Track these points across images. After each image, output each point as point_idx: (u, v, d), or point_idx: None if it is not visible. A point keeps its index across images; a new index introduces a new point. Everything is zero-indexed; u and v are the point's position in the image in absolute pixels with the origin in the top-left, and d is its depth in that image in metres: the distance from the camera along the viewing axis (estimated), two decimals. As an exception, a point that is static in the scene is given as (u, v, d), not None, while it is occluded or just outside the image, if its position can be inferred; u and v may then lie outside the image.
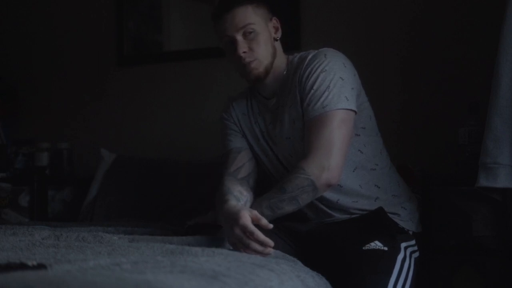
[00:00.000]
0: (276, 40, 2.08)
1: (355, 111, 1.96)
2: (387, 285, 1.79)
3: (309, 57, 2.01)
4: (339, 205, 2.01)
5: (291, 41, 2.82)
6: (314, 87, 1.95)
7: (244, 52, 1.99)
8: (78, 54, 3.49)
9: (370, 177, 2.02)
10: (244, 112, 2.17)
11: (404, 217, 2.02)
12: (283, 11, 2.24)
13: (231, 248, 1.77)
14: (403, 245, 1.93)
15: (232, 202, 1.86)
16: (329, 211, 2.03)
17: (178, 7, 3.38)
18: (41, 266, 1.31)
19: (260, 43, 2.00)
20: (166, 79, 3.27)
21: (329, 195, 1.99)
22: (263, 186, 2.05)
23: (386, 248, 1.85)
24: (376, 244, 1.85)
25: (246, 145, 2.15)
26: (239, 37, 1.99)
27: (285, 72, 2.07)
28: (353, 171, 2.01)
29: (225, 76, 3.03)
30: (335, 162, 1.89)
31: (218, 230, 1.91)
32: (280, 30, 2.09)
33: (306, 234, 2.02)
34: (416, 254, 2.00)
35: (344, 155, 1.92)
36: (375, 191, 2.02)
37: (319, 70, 1.96)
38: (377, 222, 1.95)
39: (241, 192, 1.98)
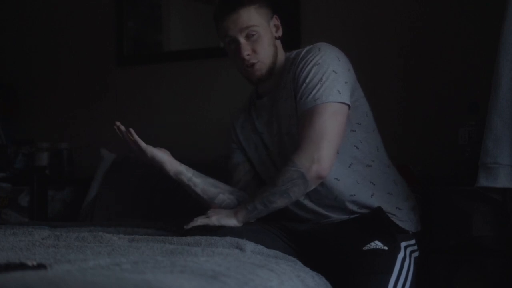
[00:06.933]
0: (277, 38, 2.08)
1: (348, 105, 1.96)
2: (387, 284, 1.79)
3: (304, 51, 2.02)
4: (337, 201, 2.00)
5: (291, 39, 2.82)
6: (307, 80, 1.95)
7: (248, 54, 1.99)
8: (78, 54, 3.49)
9: (366, 173, 2.02)
10: (243, 126, 2.19)
11: (402, 217, 2.02)
12: (283, 9, 2.24)
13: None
14: (403, 244, 1.93)
15: None
16: (327, 212, 2.02)
17: (178, 7, 3.38)
18: (41, 266, 1.31)
19: (264, 45, 2.01)
20: (166, 79, 3.27)
21: (328, 191, 1.99)
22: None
23: (386, 248, 1.85)
24: (376, 244, 1.85)
25: (244, 158, 2.18)
26: (242, 39, 1.99)
27: (282, 69, 2.08)
28: (349, 167, 2.01)
29: (225, 76, 3.03)
30: (325, 154, 1.89)
31: (217, 230, 1.91)
32: (280, 29, 2.10)
33: (306, 234, 2.02)
34: (416, 254, 1.99)
35: (335, 148, 1.92)
36: (371, 187, 2.01)
37: (312, 63, 1.96)
38: (376, 222, 1.95)
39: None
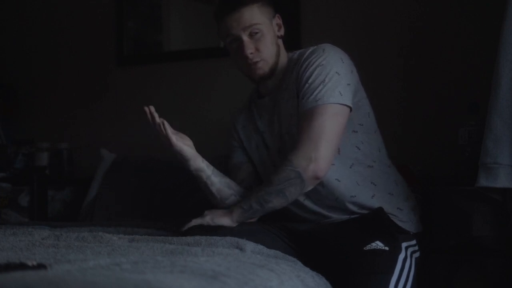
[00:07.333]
0: (279, 37, 2.08)
1: (349, 107, 1.95)
2: (388, 284, 1.79)
3: (308, 51, 2.02)
4: (338, 202, 2.00)
5: (291, 39, 2.82)
6: (309, 81, 1.95)
7: (251, 53, 1.99)
8: (78, 54, 3.48)
9: (366, 174, 2.02)
10: (244, 125, 2.18)
11: (402, 218, 2.02)
12: (283, 9, 2.24)
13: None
14: (404, 245, 1.93)
15: None
16: (327, 213, 2.02)
17: (178, 7, 3.38)
18: (41, 266, 1.31)
19: (267, 43, 2.01)
20: (166, 79, 3.27)
21: (328, 192, 1.99)
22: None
23: (387, 248, 1.85)
24: (377, 244, 1.85)
25: (246, 158, 2.18)
26: (245, 37, 1.99)
27: (284, 69, 2.07)
28: (350, 168, 2.01)
29: (225, 76, 3.03)
30: (323, 154, 1.88)
31: (217, 230, 1.91)
32: (282, 28, 2.10)
33: (306, 234, 2.02)
34: (417, 254, 1.99)
35: (333, 148, 1.92)
36: (372, 188, 2.01)
37: (316, 64, 1.96)
38: (377, 222, 1.95)
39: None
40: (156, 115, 1.98)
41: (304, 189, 1.91)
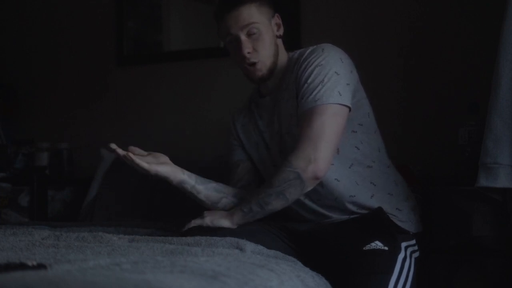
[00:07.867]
0: (279, 37, 2.08)
1: (349, 107, 1.95)
2: (387, 285, 1.79)
3: (308, 51, 2.01)
4: (337, 202, 2.00)
5: (291, 39, 2.82)
6: (309, 81, 1.94)
7: (249, 52, 1.99)
8: (78, 54, 3.49)
9: (366, 174, 2.02)
10: (244, 124, 2.18)
11: (402, 218, 2.01)
12: (283, 9, 2.24)
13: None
14: (403, 244, 1.93)
15: None
16: (327, 212, 2.02)
17: (178, 7, 3.38)
18: (41, 266, 1.31)
19: (265, 43, 2.00)
20: (166, 79, 3.27)
21: (328, 192, 1.99)
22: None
23: (386, 248, 1.85)
24: (377, 244, 1.85)
25: (245, 156, 2.17)
26: (243, 36, 1.99)
27: (284, 69, 2.07)
28: (349, 168, 2.00)
29: (225, 76, 3.03)
30: (322, 155, 1.88)
31: (217, 231, 1.91)
32: (282, 27, 2.09)
33: (306, 234, 2.02)
34: (416, 254, 1.99)
35: (333, 149, 1.91)
36: (371, 188, 2.01)
37: (315, 64, 1.96)
38: (377, 222, 1.95)
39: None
40: (119, 151, 1.93)
41: (304, 189, 1.91)
